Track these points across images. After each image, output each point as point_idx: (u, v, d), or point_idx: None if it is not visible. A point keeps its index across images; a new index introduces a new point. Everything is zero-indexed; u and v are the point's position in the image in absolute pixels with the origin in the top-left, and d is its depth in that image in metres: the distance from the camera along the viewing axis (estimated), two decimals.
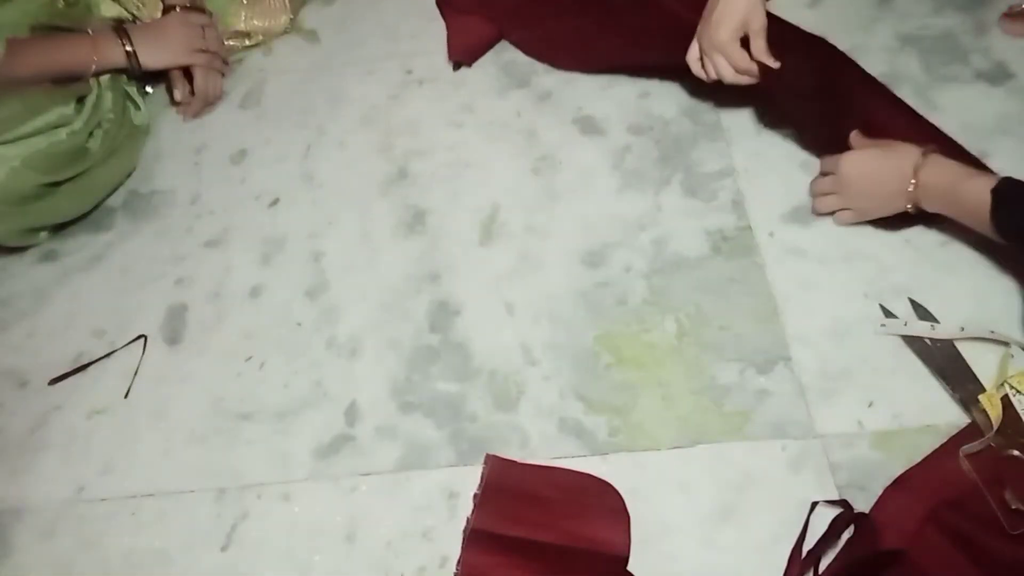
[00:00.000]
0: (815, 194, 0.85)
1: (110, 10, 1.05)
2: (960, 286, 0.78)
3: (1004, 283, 0.77)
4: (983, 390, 0.70)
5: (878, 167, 0.77)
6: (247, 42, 1.13)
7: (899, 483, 0.67)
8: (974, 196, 0.69)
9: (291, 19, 1.14)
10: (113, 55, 0.98)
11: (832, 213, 0.83)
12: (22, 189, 0.90)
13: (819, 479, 0.69)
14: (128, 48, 0.99)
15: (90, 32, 0.99)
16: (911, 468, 0.68)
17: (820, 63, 0.87)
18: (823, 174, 0.84)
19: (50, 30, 0.98)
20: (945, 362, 0.73)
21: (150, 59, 1.01)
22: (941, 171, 0.73)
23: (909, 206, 0.76)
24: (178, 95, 1.06)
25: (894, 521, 0.65)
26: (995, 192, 0.67)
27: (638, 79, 0.99)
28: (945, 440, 0.69)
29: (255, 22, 1.12)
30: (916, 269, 0.79)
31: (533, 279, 0.85)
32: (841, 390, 0.74)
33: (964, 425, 0.69)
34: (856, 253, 0.81)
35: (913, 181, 0.73)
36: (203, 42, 1.04)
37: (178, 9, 1.03)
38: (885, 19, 0.98)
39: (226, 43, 1.11)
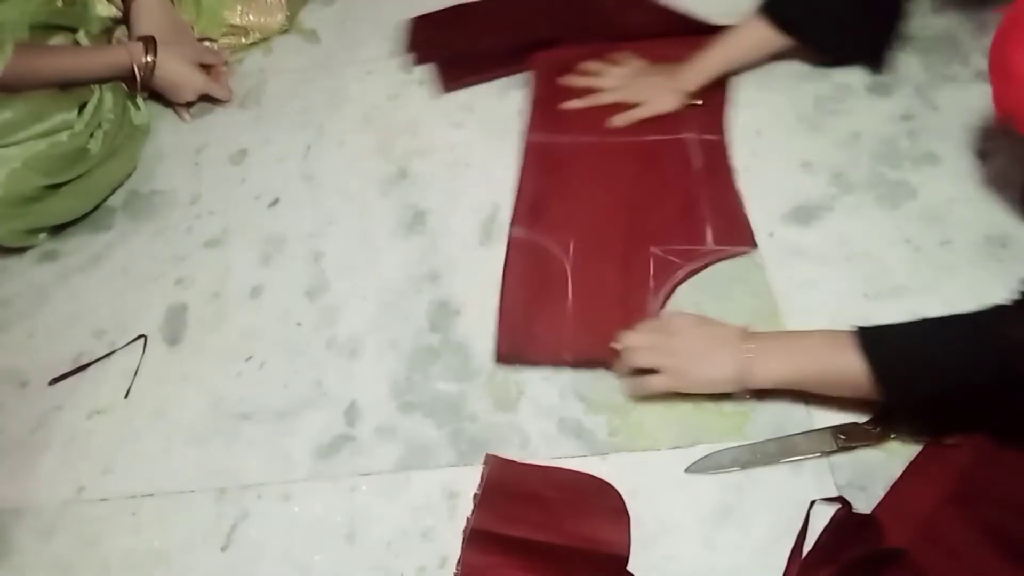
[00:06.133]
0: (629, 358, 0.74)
1: (106, 9, 1.05)
2: (960, 286, 0.78)
3: (1005, 283, 0.77)
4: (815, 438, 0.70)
5: (708, 327, 0.72)
6: (244, 40, 1.13)
7: (903, 480, 0.67)
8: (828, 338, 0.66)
9: (287, 17, 1.14)
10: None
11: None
12: (23, 190, 0.91)
13: (819, 479, 0.69)
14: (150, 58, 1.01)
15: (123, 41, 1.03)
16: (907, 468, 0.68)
17: None
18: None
19: (48, 29, 0.98)
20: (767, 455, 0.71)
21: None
22: (773, 333, 0.72)
23: (739, 380, 0.69)
24: (186, 116, 1.08)
25: (896, 520, 0.65)
26: None
27: None
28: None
29: (251, 17, 1.12)
30: (916, 269, 0.79)
31: None
32: None
33: None
34: (856, 253, 0.81)
35: (751, 345, 0.69)
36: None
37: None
38: None
39: (223, 39, 1.12)
